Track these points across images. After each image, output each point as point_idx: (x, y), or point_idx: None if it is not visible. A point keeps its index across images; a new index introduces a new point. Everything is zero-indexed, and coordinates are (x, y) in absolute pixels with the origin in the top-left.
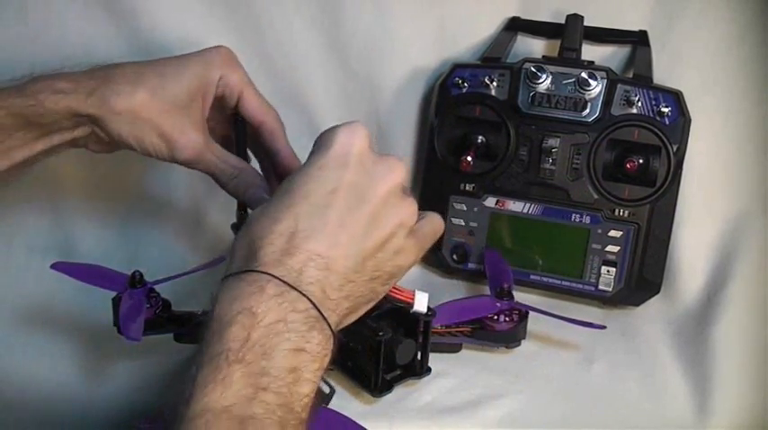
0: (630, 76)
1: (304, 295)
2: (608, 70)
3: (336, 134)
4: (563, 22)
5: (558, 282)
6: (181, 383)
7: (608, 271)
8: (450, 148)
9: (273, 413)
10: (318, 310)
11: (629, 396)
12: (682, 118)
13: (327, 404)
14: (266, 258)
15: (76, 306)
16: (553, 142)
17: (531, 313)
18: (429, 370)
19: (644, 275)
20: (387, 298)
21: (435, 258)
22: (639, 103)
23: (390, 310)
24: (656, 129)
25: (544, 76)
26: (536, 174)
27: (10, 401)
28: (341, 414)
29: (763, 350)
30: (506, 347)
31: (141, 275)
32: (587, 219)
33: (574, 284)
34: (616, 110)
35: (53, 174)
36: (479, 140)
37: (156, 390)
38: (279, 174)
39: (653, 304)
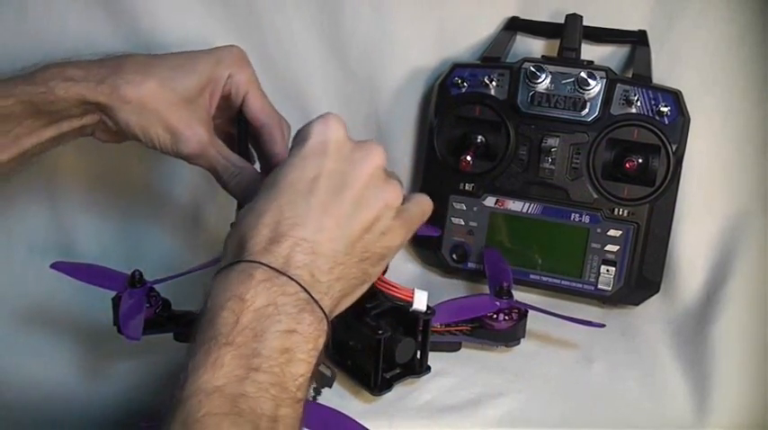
0: (630, 75)
1: (293, 279)
2: (607, 70)
3: (312, 126)
4: (562, 21)
5: (558, 281)
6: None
7: (607, 270)
8: (449, 148)
9: (266, 391)
10: (308, 293)
11: (629, 395)
12: (681, 117)
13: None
14: (254, 248)
15: (76, 305)
16: (552, 142)
17: (531, 312)
18: (428, 368)
19: (643, 274)
20: (386, 296)
21: (435, 258)
22: (639, 103)
23: (390, 309)
24: (655, 129)
25: (543, 75)
26: (535, 174)
27: (9, 401)
28: (340, 412)
29: (763, 349)
30: (506, 346)
31: (141, 275)
32: (587, 219)
33: (573, 284)
34: (615, 109)
35: (53, 173)
36: (479, 140)
37: (155, 390)
38: None
39: (652, 303)
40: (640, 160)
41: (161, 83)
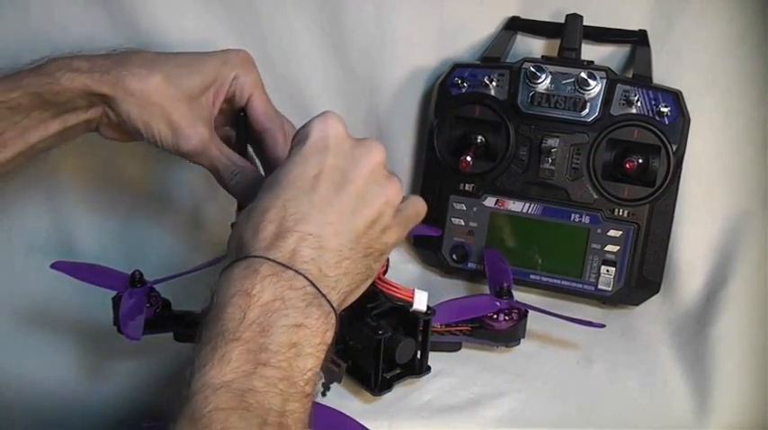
0: (630, 75)
1: (300, 273)
2: (607, 70)
3: (311, 124)
4: (562, 21)
5: (558, 281)
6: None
7: (607, 270)
8: (449, 148)
9: (275, 386)
10: (316, 287)
11: (629, 395)
12: (681, 118)
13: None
14: (259, 244)
15: (77, 306)
16: (553, 142)
17: (531, 313)
18: (429, 369)
19: (643, 275)
20: (387, 296)
21: (435, 258)
22: (639, 103)
23: (390, 309)
24: (655, 129)
25: (544, 75)
26: (536, 174)
27: (9, 401)
28: (341, 412)
29: (763, 349)
30: (506, 346)
31: (141, 275)
32: (587, 219)
33: (573, 284)
34: (615, 109)
35: (53, 173)
36: (479, 140)
37: (156, 390)
38: None
39: (652, 304)
40: (640, 160)
41: (166, 78)
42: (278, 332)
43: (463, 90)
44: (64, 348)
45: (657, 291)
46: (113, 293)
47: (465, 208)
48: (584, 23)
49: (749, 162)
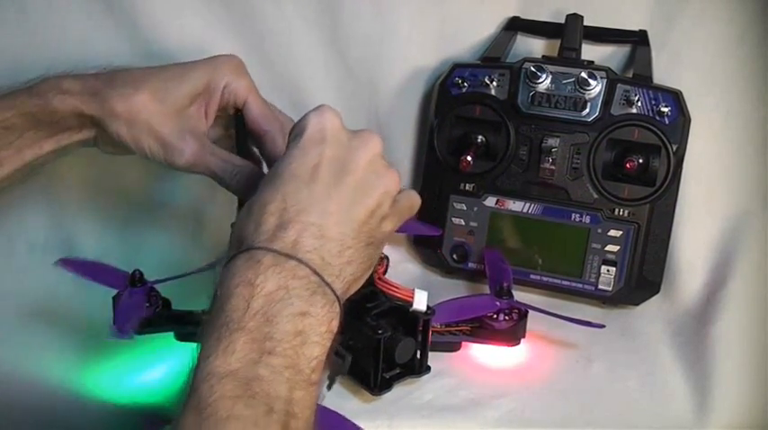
0: (630, 75)
1: (303, 262)
2: (608, 70)
3: (308, 118)
4: (563, 21)
5: (558, 281)
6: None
7: (608, 270)
8: (450, 148)
9: (280, 374)
10: (319, 276)
11: (629, 395)
12: (681, 117)
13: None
14: (261, 236)
15: (77, 304)
16: (553, 142)
17: (531, 312)
18: (428, 368)
19: (644, 275)
20: (386, 296)
21: (435, 258)
22: (639, 103)
23: (390, 309)
24: (655, 129)
25: (544, 75)
26: (536, 174)
27: (10, 400)
28: (336, 412)
29: (763, 349)
30: (506, 346)
31: (141, 274)
32: (587, 219)
33: (574, 284)
34: (616, 109)
35: (53, 172)
36: (479, 140)
37: (157, 389)
38: None
39: (653, 303)
40: (641, 160)
41: (152, 95)
42: (283, 321)
43: (463, 90)
44: (64, 347)
45: (658, 291)
46: (114, 292)
47: (465, 208)
48: (585, 23)
49: (749, 162)
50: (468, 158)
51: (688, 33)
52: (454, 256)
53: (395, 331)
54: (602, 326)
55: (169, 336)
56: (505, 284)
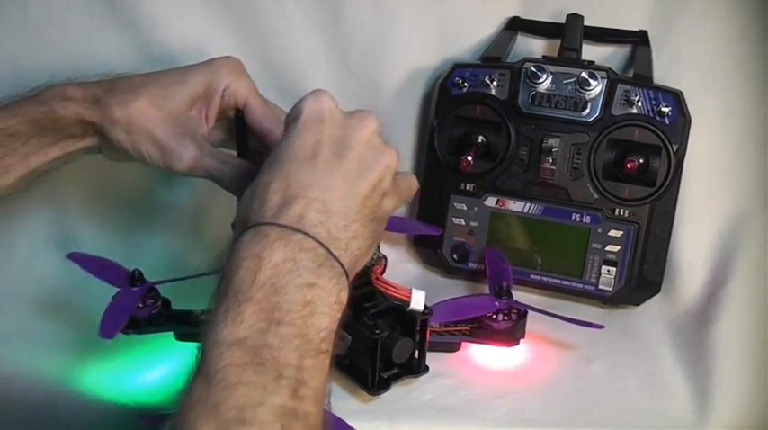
0: (631, 75)
1: (309, 235)
2: (608, 70)
3: (303, 101)
4: (563, 21)
5: (559, 281)
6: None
7: (608, 270)
8: (450, 148)
9: (290, 342)
10: (326, 248)
11: (630, 395)
12: (682, 118)
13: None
14: (266, 213)
15: (78, 302)
16: (553, 142)
17: (531, 313)
18: (426, 368)
19: (644, 275)
20: (384, 296)
21: (436, 258)
22: (640, 103)
23: (388, 309)
24: (656, 129)
25: (544, 75)
26: (536, 174)
27: (10, 399)
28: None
29: (764, 349)
30: (505, 346)
31: (141, 274)
32: (587, 219)
33: (574, 284)
34: (616, 110)
35: (54, 176)
36: (480, 140)
37: (157, 388)
38: None
39: (653, 303)
40: (641, 160)
41: (151, 101)
42: (291, 291)
43: (464, 90)
44: (65, 346)
45: (658, 291)
46: (116, 290)
47: (465, 207)
48: (585, 24)
49: (749, 162)
50: (469, 158)
51: (688, 33)
52: (454, 256)
53: (392, 331)
54: (602, 327)
55: (169, 336)
56: (505, 284)
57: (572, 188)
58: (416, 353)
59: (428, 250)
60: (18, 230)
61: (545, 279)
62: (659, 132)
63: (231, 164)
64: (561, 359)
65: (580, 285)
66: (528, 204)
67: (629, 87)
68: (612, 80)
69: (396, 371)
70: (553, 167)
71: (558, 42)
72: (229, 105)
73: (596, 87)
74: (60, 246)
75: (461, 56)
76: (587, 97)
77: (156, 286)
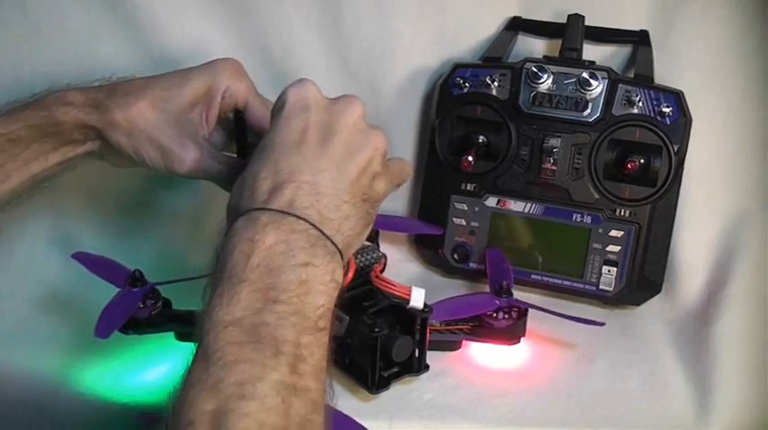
0: (631, 75)
1: (301, 218)
2: (609, 70)
3: (287, 91)
4: (564, 21)
5: (559, 281)
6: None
7: (609, 270)
8: (451, 148)
9: (286, 319)
10: (318, 229)
11: (630, 395)
12: (683, 118)
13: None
14: (257, 200)
15: (78, 302)
16: (554, 142)
17: (532, 313)
18: (427, 367)
19: (645, 275)
20: (384, 294)
21: (436, 258)
22: (640, 103)
23: (387, 307)
24: (657, 129)
25: (545, 75)
26: (537, 174)
27: (11, 398)
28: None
29: (764, 349)
30: (506, 345)
31: (142, 274)
32: (588, 219)
33: (575, 284)
34: (617, 110)
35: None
36: (480, 140)
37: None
38: None
39: (654, 304)
40: (642, 161)
41: (151, 104)
42: (286, 271)
43: (465, 90)
44: (65, 345)
45: (659, 291)
46: (116, 290)
47: (466, 208)
48: (586, 24)
49: (749, 162)
50: (470, 158)
51: (689, 33)
52: (455, 257)
53: (392, 329)
54: (602, 324)
55: (169, 336)
56: (505, 283)
57: (573, 188)
58: (416, 351)
59: (429, 250)
60: (18, 230)
61: (546, 279)
62: (660, 132)
63: (232, 165)
64: (562, 358)
65: (581, 285)
66: (529, 204)
67: (629, 87)
68: (613, 80)
69: (396, 369)
70: (554, 167)
71: (558, 42)
72: (230, 107)
73: (597, 87)
74: (61, 246)
75: (462, 56)
76: (588, 97)
77: (157, 286)
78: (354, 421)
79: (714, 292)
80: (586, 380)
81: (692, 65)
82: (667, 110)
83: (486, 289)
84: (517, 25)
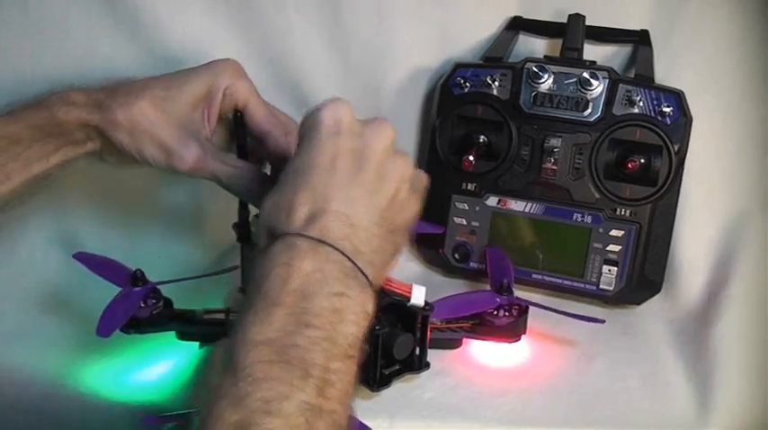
0: (632, 75)
1: (336, 248)
2: (610, 70)
3: (321, 111)
4: (565, 21)
5: (560, 281)
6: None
7: (609, 270)
8: (451, 148)
9: (318, 344)
10: (352, 262)
11: (630, 394)
12: (683, 118)
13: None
14: (295, 224)
15: (78, 302)
16: (555, 142)
17: (532, 311)
18: (428, 365)
19: (645, 274)
20: (385, 292)
21: (437, 257)
22: (641, 103)
23: (388, 305)
24: (657, 129)
25: (546, 75)
26: (538, 174)
27: (10, 398)
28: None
29: (764, 348)
30: (506, 342)
31: (143, 274)
32: (589, 219)
33: (575, 283)
34: (618, 109)
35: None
36: (481, 140)
37: (158, 387)
38: None
39: (654, 303)
40: (642, 160)
41: (152, 103)
42: (320, 298)
43: (465, 90)
44: (65, 345)
45: (659, 291)
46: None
47: (467, 207)
48: (587, 23)
49: (749, 162)
50: (471, 158)
51: (689, 33)
52: (456, 256)
53: (393, 327)
54: (603, 322)
55: (170, 335)
56: (506, 281)
57: (573, 188)
58: (417, 349)
59: (430, 250)
60: (20, 230)
61: (546, 278)
62: (660, 132)
63: (233, 165)
64: (562, 357)
65: (581, 285)
66: (529, 204)
67: (630, 87)
68: (614, 80)
69: (397, 367)
70: (555, 167)
71: (559, 42)
72: (230, 107)
73: (598, 87)
74: (61, 246)
75: (463, 56)
76: (589, 97)
77: (158, 286)
78: (356, 419)
79: (714, 292)
80: (587, 379)
81: (692, 65)
82: (668, 110)
83: (487, 288)
84: (518, 25)
